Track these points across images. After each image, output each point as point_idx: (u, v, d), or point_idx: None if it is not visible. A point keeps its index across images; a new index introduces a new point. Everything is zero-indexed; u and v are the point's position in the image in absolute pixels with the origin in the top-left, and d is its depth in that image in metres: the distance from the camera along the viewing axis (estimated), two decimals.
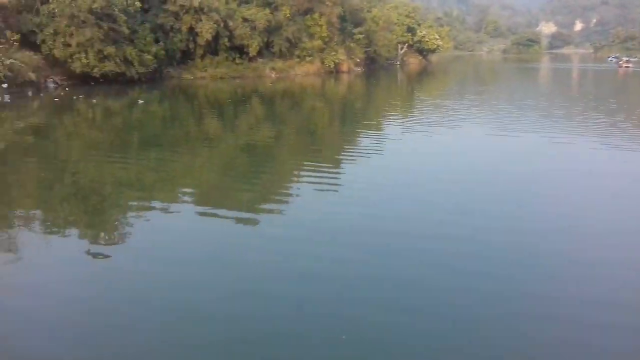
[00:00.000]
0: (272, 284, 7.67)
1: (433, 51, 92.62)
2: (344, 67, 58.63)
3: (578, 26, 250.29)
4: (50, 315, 6.78)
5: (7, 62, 29.46)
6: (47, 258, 8.57)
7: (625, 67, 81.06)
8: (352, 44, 61.22)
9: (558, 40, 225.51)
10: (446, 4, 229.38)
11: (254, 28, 47.64)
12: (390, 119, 26.29)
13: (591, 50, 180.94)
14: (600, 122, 24.31)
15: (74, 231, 9.86)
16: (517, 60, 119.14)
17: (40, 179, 13.89)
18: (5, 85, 29.32)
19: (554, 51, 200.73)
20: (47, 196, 12.39)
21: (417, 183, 13.43)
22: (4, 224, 10.21)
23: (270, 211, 11.21)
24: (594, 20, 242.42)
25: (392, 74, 65.43)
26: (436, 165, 15.59)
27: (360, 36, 62.66)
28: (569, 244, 9.36)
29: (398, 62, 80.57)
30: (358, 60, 62.51)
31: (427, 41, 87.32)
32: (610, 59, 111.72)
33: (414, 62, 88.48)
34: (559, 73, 76.33)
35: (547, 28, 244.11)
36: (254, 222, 10.38)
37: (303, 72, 53.74)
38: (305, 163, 15.82)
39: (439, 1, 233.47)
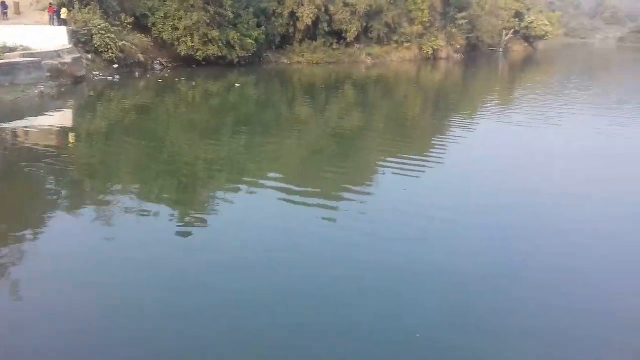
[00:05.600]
0: (339, 270, 7.78)
1: (540, 38, 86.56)
2: (443, 54, 57.08)
3: None
4: (130, 291, 7.36)
5: (120, 43, 31.42)
6: (134, 233, 9.23)
7: None
8: (453, 29, 58.88)
9: None
10: None
11: (354, 12, 47.40)
12: (484, 111, 25.35)
13: None
14: None
15: (162, 208, 10.43)
16: (636, 50, 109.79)
17: (138, 156, 14.86)
18: (115, 66, 31.38)
19: None
20: (142, 173, 13.28)
21: (497, 169, 12.92)
22: (101, 197, 11.05)
23: (349, 200, 11.20)
24: None
25: (493, 62, 62.59)
26: (515, 168, 14.87)
27: (463, 21, 60.13)
28: None
29: (501, 49, 76.43)
30: (458, 46, 60.39)
31: (535, 27, 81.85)
32: None
33: (518, 49, 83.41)
34: None
35: None
36: (331, 210, 10.50)
37: (399, 58, 52.93)
38: (390, 153, 15.61)
39: None
